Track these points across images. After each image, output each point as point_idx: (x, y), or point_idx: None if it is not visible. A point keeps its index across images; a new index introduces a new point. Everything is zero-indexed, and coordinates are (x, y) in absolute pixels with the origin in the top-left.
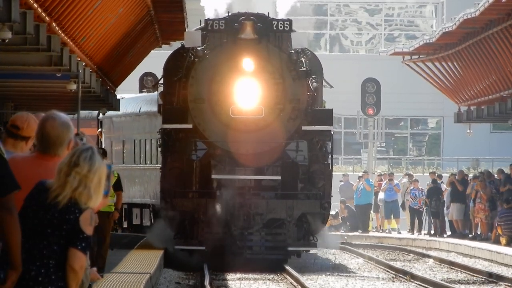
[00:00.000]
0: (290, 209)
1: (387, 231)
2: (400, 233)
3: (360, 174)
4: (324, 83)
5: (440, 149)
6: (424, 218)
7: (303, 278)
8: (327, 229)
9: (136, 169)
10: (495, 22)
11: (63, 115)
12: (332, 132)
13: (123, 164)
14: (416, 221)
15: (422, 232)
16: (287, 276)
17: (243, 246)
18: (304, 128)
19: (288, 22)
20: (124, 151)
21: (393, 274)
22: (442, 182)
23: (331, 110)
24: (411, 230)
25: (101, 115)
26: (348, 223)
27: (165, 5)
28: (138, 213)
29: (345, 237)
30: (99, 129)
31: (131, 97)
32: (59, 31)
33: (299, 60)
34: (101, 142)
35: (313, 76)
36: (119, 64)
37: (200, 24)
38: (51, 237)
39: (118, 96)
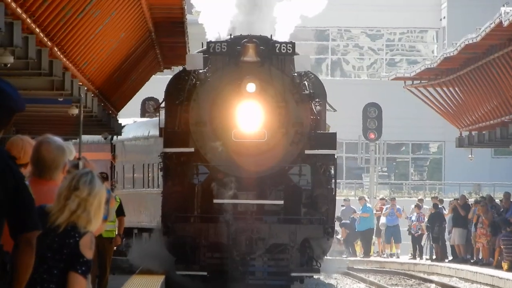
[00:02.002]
0: (293, 234)
1: (389, 255)
2: (398, 257)
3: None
4: (328, 107)
5: (441, 174)
6: (425, 243)
7: None
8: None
9: (145, 194)
10: (497, 47)
11: (58, 139)
12: (335, 156)
13: (134, 188)
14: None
15: (424, 257)
16: None
17: (245, 271)
18: (307, 152)
19: (291, 45)
20: (134, 174)
21: None
22: (443, 206)
23: (334, 134)
24: (413, 255)
25: (114, 139)
26: (347, 244)
27: (166, 29)
28: (147, 237)
29: (347, 262)
30: (112, 153)
31: (143, 121)
32: (61, 56)
33: (302, 83)
34: (114, 166)
35: (317, 100)
36: (121, 89)
37: (202, 47)
38: (51, 261)
39: (131, 120)
